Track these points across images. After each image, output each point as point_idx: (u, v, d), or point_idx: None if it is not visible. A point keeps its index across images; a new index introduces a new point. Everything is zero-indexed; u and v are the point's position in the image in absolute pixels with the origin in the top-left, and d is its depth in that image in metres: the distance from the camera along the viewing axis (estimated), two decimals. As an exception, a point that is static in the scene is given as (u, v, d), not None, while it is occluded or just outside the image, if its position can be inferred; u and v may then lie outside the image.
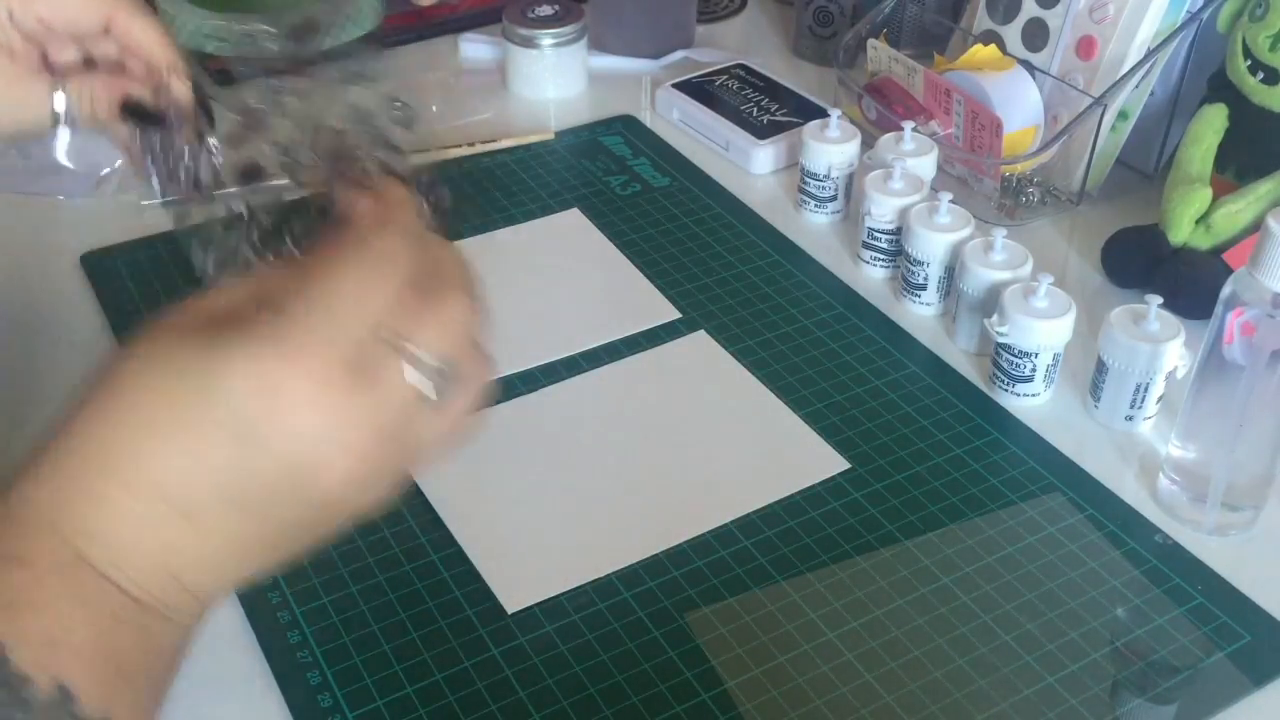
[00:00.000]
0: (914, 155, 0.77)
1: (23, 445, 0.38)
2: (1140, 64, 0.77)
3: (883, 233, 0.75)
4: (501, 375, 0.68)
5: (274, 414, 0.37)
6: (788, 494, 0.61)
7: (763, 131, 0.88)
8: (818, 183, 0.80)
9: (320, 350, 0.38)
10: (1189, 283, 0.70)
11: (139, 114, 0.57)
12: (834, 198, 0.81)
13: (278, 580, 0.57)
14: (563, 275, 0.77)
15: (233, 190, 0.42)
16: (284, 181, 0.42)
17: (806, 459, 0.64)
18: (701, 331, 0.72)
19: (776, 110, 0.90)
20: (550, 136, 0.90)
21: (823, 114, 0.82)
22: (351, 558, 0.58)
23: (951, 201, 0.71)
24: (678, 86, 0.93)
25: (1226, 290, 0.55)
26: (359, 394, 0.38)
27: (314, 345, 0.37)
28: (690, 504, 0.61)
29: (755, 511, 0.60)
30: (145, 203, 0.59)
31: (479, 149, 0.89)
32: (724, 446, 0.64)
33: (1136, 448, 0.65)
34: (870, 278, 0.77)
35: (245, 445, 0.38)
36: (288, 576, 0.56)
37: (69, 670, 0.35)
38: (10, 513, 0.37)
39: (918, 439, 0.65)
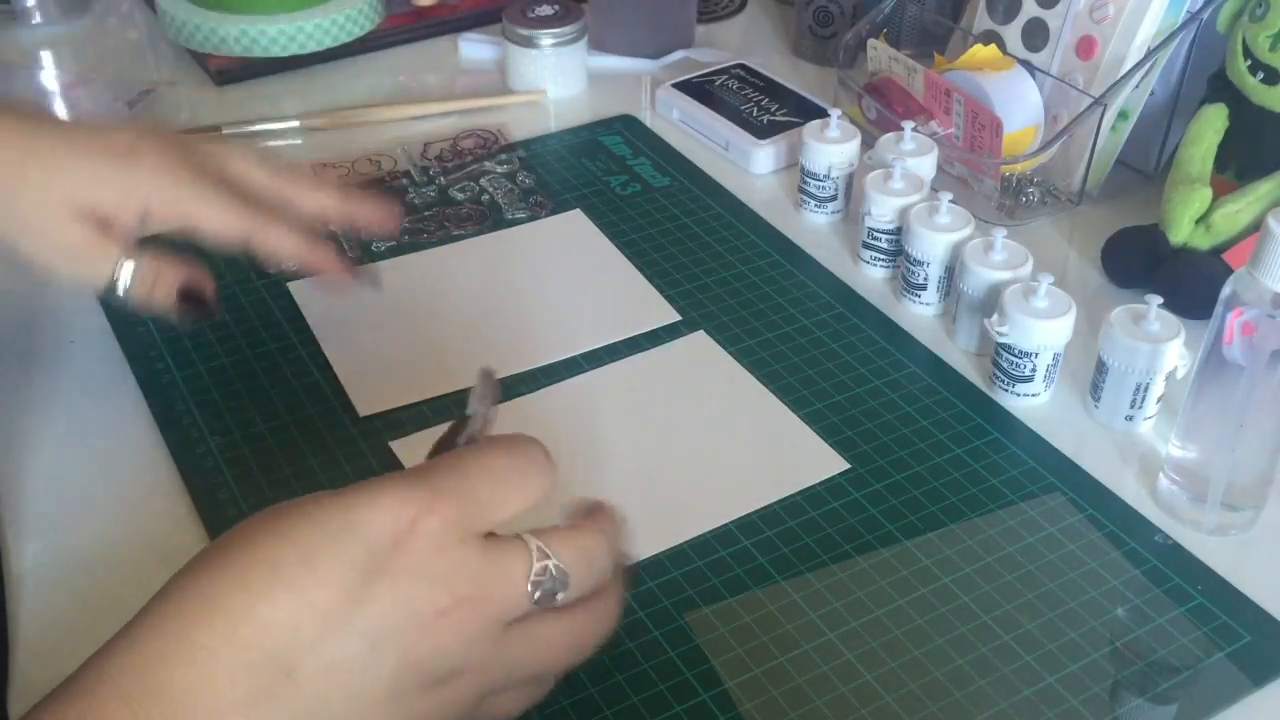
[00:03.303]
0: (914, 155, 0.77)
1: (28, 469, 0.38)
2: (1140, 64, 0.77)
3: (883, 233, 0.75)
4: (501, 376, 0.68)
5: (402, 552, 0.39)
6: (788, 494, 0.61)
7: (763, 131, 0.88)
8: (818, 183, 0.81)
9: (457, 509, 0.40)
10: (1189, 283, 0.70)
11: (196, 303, 0.61)
12: (834, 198, 0.81)
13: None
14: (563, 275, 0.77)
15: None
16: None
17: (806, 459, 0.64)
18: (701, 331, 0.72)
19: (776, 110, 0.90)
20: (543, 96, 0.95)
21: (823, 114, 0.82)
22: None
23: (951, 201, 0.71)
24: (678, 86, 0.93)
25: (1226, 290, 0.55)
26: (476, 560, 0.41)
27: (451, 500, 0.40)
28: (690, 504, 0.61)
29: (756, 512, 0.60)
30: None
31: (472, 104, 0.94)
32: (724, 447, 0.64)
33: (1136, 448, 0.65)
34: (870, 278, 0.77)
35: (369, 580, 0.39)
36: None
37: None
38: (82, 676, 0.37)
39: (918, 439, 0.65)
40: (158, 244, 0.60)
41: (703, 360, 0.70)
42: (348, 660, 0.39)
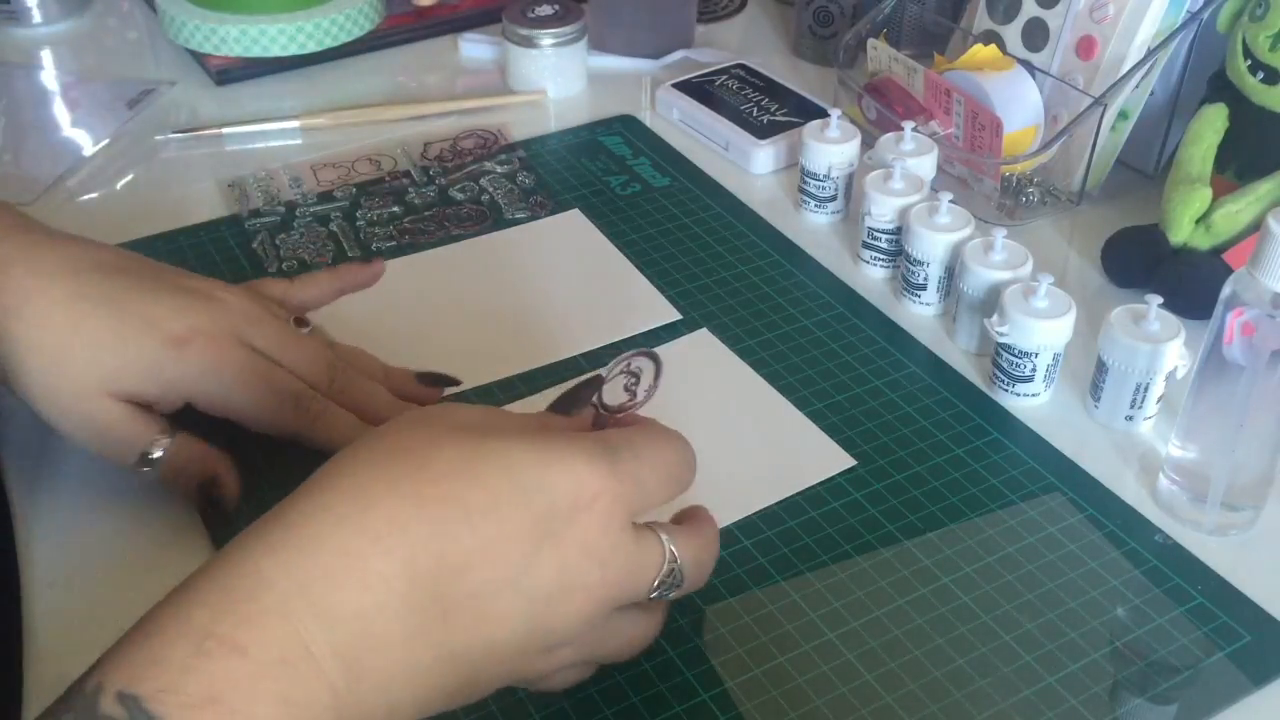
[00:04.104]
0: (914, 155, 0.77)
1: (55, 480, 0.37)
2: (1140, 64, 0.77)
3: (883, 233, 0.75)
4: (501, 376, 0.68)
5: (576, 523, 0.40)
6: (797, 491, 0.61)
7: (763, 131, 0.88)
8: (818, 183, 0.81)
9: (629, 492, 0.42)
10: (1189, 283, 0.70)
11: (214, 502, 0.58)
12: (834, 198, 0.81)
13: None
14: (563, 275, 0.77)
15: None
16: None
17: (813, 456, 0.63)
18: (704, 330, 0.72)
19: (776, 110, 0.90)
20: (543, 96, 0.95)
21: (823, 114, 0.82)
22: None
23: (951, 201, 0.71)
24: (678, 86, 0.93)
25: (1226, 290, 0.55)
26: (627, 545, 0.42)
27: (628, 484, 0.42)
28: (703, 501, 0.61)
29: (756, 512, 0.60)
30: None
31: (472, 104, 0.94)
32: (731, 445, 0.64)
33: (1136, 448, 0.65)
34: (870, 278, 0.77)
35: (541, 542, 0.40)
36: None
37: None
38: (239, 584, 0.36)
39: (918, 439, 0.65)
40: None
41: (707, 358, 0.70)
42: (500, 614, 0.40)
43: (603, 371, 0.50)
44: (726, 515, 0.60)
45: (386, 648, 0.37)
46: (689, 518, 0.49)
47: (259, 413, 0.57)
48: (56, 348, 0.54)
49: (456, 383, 0.64)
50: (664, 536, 0.45)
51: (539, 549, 0.40)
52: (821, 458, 0.64)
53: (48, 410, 0.55)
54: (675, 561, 0.45)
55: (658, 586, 0.44)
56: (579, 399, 0.49)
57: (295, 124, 0.90)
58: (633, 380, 0.50)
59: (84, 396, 0.55)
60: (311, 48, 0.96)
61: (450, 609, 0.38)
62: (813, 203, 0.82)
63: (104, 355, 0.54)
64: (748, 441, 0.65)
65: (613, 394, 0.50)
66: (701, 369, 0.69)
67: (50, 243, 0.56)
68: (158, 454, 0.56)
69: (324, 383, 0.59)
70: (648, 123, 0.93)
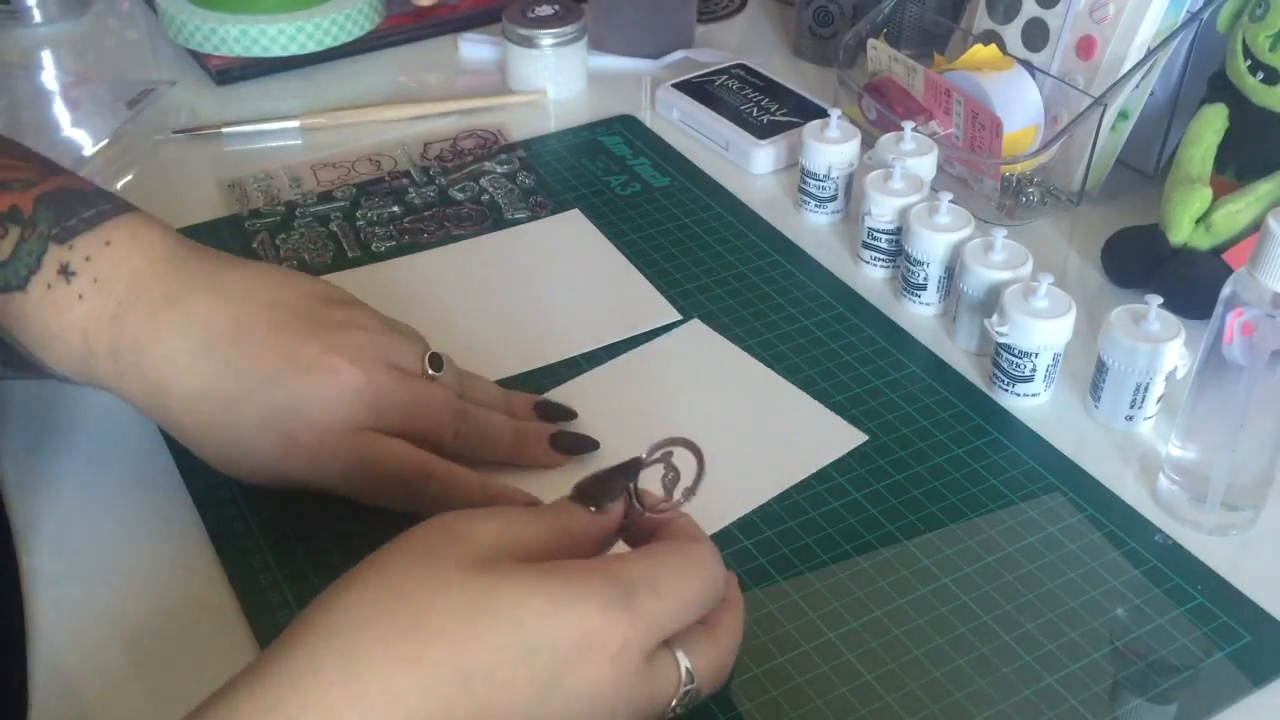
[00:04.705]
0: (914, 155, 0.77)
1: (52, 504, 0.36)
2: (1140, 64, 0.77)
3: (883, 233, 0.75)
4: (502, 377, 0.68)
5: (585, 670, 0.38)
6: (809, 473, 0.62)
7: (763, 131, 0.88)
8: (818, 183, 0.81)
9: (645, 634, 0.40)
10: (1189, 283, 0.70)
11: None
12: (834, 198, 0.81)
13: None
14: (563, 276, 0.77)
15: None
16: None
17: (822, 436, 0.64)
18: (696, 320, 0.72)
19: (776, 110, 0.90)
20: (543, 96, 0.95)
21: (823, 114, 0.82)
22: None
23: (951, 201, 0.71)
24: (678, 86, 0.93)
25: (1226, 290, 0.55)
26: (641, 683, 0.40)
27: (643, 626, 0.40)
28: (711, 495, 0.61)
29: (755, 511, 0.60)
30: None
31: (472, 104, 0.94)
32: (733, 436, 0.64)
33: (1136, 448, 0.65)
34: (870, 278, 0.77)
35: (547, 696, 0.38)
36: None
37: None
38: None
39: (917, 439, 0.65)
40: None
41: (701, 348, 0.70)
42: None
43: (642, 456, 0.46)
44: (736, 509, 0.60)
45: None
46: (727, 608, 0.47)
47: (381, 500, 0.56)
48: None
49: (573, 415, 0.63)
50: (680, 656, 0.43)
51: (544, 703, 0.38)
52: (832, 436, 0.64)
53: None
54: (692, 683, 0.43)
55: (674, 708, 0.43)
56: (611, 489, 0.46)
57: (295, 124, 0.90)
58: (671, 475, 0.47)
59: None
60: (311, 48, 0.96)
61: None
62: (813, 203, 0.82)
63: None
64: (754, 428, 0.65)
65: (649, 483, 0.47)
66: (696, 360, 0.69)
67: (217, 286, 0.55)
68: None
69: (449, 434, 0.58)
70: (648, 123, 0.93)
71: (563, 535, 0.43)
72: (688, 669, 0.43)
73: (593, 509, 0.45)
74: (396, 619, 0.37)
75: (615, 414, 0.66)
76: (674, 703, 0.43)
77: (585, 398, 0.67)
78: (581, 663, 0.38)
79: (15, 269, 0.53)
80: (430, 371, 0.58)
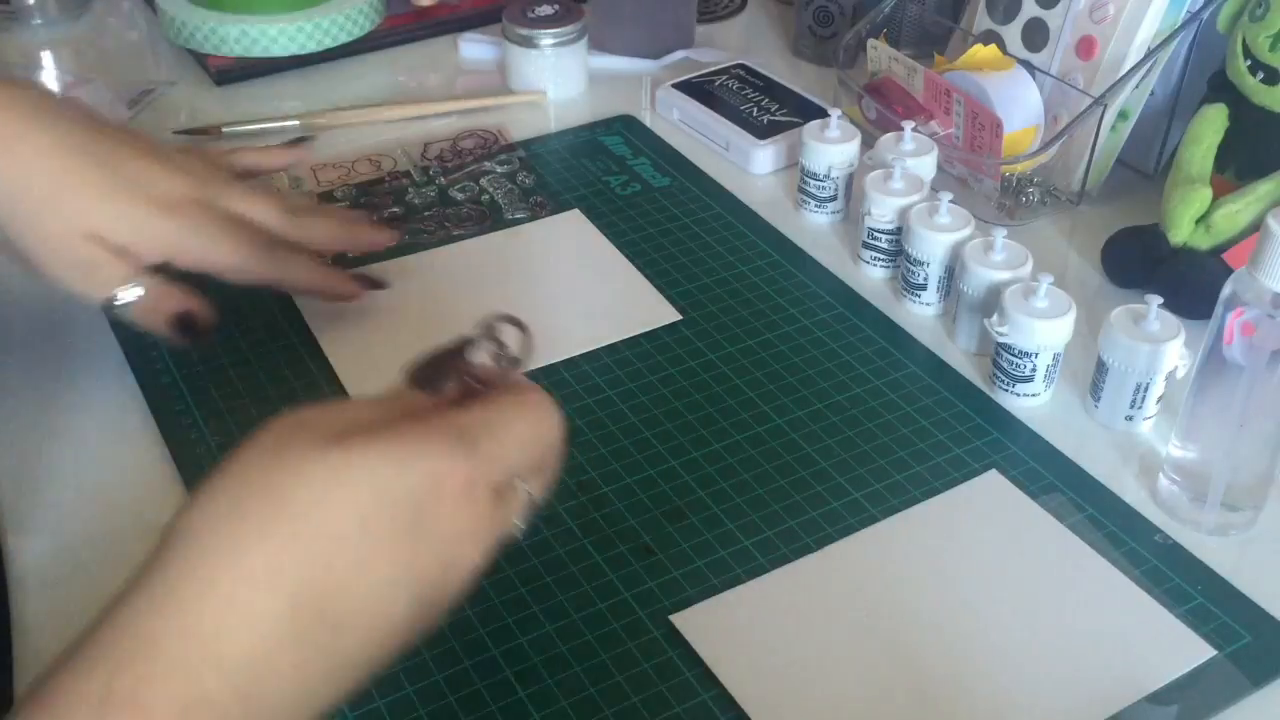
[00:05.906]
0: (914, 155, 0.77)
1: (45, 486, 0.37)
2: (1140, 64, 0.77)
3: (883, 233, 0.75)
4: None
5: (443, 511, 0.42)
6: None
7: (763, 131, 0.88)
8: (818, 183, 0.81)
9: (491, 470, 0.44)
10: (1189, 283, 0.70)
11: (189, 330, 0.64)
12: (834, 198, 0.81)
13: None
14: (563, 276, 0.77)
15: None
16: None
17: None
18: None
19: (776, 110, 0.90)
20: (543, 96, 0.95)
21: (823, 114, 0.82)
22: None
23: (951, 201, 0.71)
24: (678, 86, 0.93)
25: (1226, 290, 0.55)
26: (495, 513, 0.44)
27: (487, 464, 0.43)
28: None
29: (754, 513, 0.60)
30: None
31: (472, 104, 0.94)
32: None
33: (1136, 448, 0.65)
34: (870, 278, 0.77)
35: (416, 542, 0.41)
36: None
37: None
38: (133, 645, 0.37)
39: (917, 439, 0.65)
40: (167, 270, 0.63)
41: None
42: (389, 610, 0.41)
43: (469, 335, 0.49)
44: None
45: (280, 677, 0.38)
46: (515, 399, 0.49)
47: (235, 262, 0.64)
48: (48, 190, 0.60)
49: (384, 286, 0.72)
50: (522, 488, 0.46)
51: (414, 548, 0.41)
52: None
53: (35, 246, 0.60)
54: (532, 499, 0.47)
55: (522, 525, 0.46)
56: (444, 371, 0.48)
57: (295, 124, 0.90)
58: (497, 347, 0.49)
59: (71, 236, 0.60)
60: (311, 48, 0.96)
61: (339, 624, 0.40)
62: (813, 203, 0.82)
63: (95, 205, 0.60)
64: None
65: (479, 360, 0.49)
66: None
67: (52, 102, 0.62)
68: (134, 295, 0.62)
69: (287, 228, 0.67)
70: (648, 123, 0.93)
71: (403, 415, 0.45)
72: (529, 492, 0.46)
73: (428, 390, 0.48)
74: (266, 505, 0.40)
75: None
76: (519, 518, 0.46)
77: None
78: (438, 504, 0.42)
79: None
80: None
